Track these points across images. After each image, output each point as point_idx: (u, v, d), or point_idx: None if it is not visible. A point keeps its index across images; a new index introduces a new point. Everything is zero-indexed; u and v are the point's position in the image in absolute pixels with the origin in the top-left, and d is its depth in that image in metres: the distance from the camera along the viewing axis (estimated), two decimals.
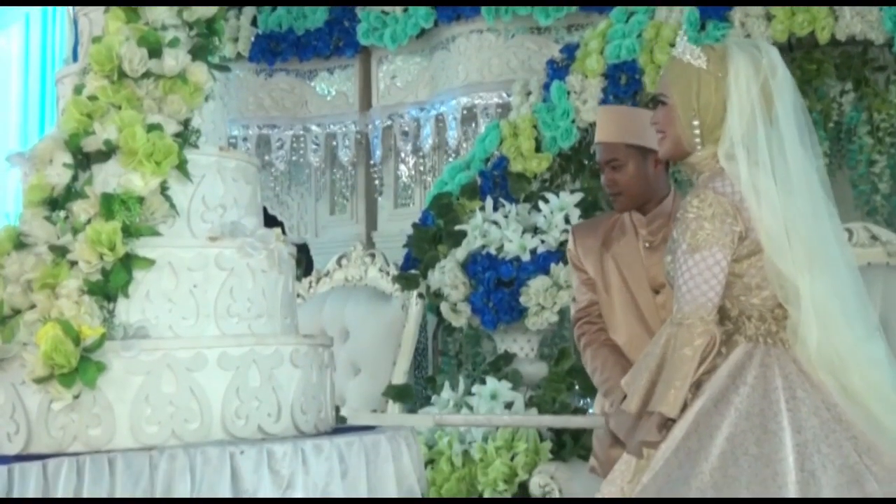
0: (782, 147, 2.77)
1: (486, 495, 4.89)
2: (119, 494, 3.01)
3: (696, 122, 2.83)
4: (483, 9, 6.31)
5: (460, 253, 5.40)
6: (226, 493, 3.08)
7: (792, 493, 2.60)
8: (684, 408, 2.78)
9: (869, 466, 2.64)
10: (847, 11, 5.11)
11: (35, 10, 8.49)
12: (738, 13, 5.32)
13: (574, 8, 6.25)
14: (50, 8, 8.53)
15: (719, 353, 2.81)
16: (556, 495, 4.69)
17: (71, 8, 8.05)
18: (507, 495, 4.85)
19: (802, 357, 2.76)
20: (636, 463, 2.83)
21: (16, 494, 3.00)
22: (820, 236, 2.77)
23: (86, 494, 2.99)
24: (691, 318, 2.75)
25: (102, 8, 3.62)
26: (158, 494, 3.03)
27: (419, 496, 3.57)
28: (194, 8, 3.64)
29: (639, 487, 2.76)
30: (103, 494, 2.99)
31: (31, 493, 2.99)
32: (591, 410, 3.82)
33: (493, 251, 5.26)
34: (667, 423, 2.76)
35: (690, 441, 2.71)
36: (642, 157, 3.60)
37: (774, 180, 2.75)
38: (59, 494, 2.98)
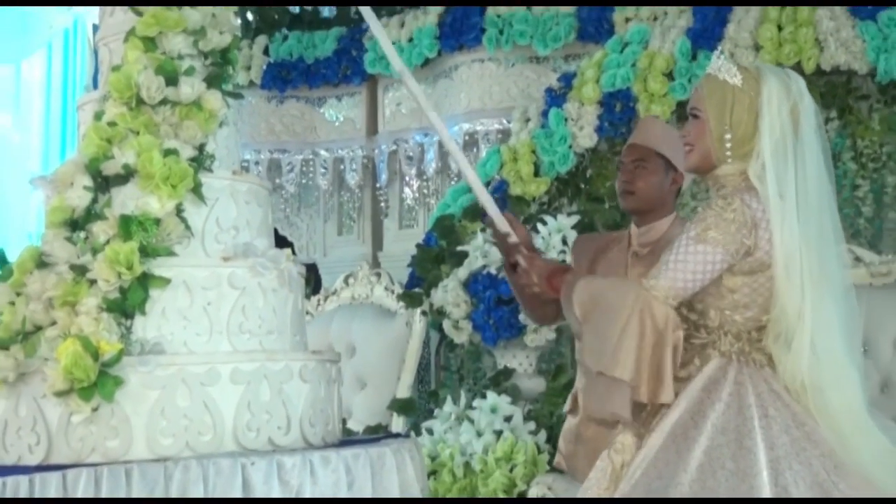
0: (805, 169, 2.76)
1: None
2: None
3: (727, 136, 2.82)
4: (484, 38, 6.34)
5: (462, 272, 5.41)
6: None
7: None
8: (659, 417, 2.78)
9: (836, 483, 2.63)
10: (832, 42, 5.13)
11: (57, 39, 8.53)
12: (727, 44, 5.33)
13: (571, 38, 6.28)
14: (71, 37, 8.57)
15: (692, 364, 2.81)
16: None
17: (91, 37, 8.08)
18: None
19: (773, 377, 2.76)
20: (611, 471, 2.83)
21: None
22: (825, 261, 2.76)
23: None
24: (659, 294, 2.73)
25: (122, 37, 3.63)
26: None
27: None
28: (209, 38, 3.64)
29: (618, 495, 2.75)
30: None
31: None
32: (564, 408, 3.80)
33: (493, 271, 5.26)
34: (642, 409, 2.75)
35: (668, 452, 2.70)
36: (665, 169, 3.65)
37: (796, 203, 2.74)
38: None
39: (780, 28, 5.25)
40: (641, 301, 2.73)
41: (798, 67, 5.17)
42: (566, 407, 3.83)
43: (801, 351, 2.72)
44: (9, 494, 3.01)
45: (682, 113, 4.91)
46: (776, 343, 2.76)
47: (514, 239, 3.16)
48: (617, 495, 2.75)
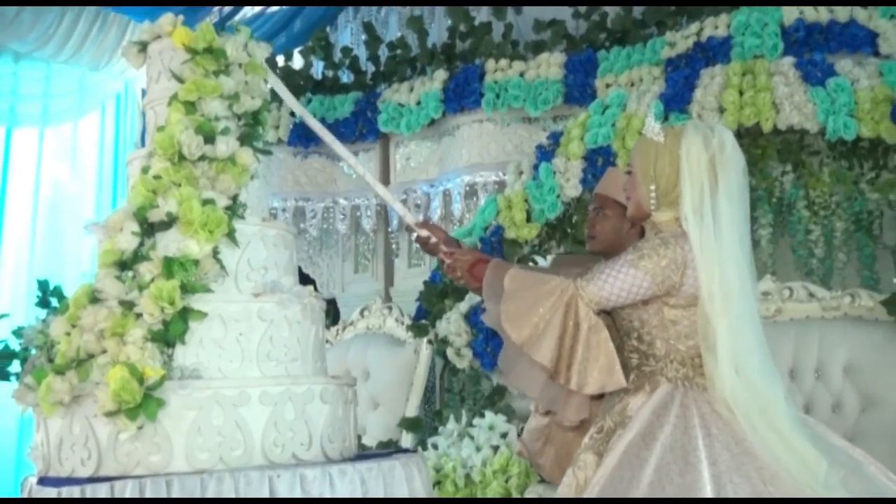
0: (720, 215, 2.77)
1: None
2: None
3: (652, 188, 2.86)
4: (483, 101, 6.39)
5: (463, 306, 5.41)
6: None
7: None
8: (615, 438, 2.77)
9: (773, 493, 2.62)
10: (787, 105, 5.15)
11: (110, 102, 8.57)
12: (695, 106, 5.35)
13: (559, 101, 6.33)
14: (122, 100, 8.61)
15: (643, 389, 2.81)
16: None
17: (140, 100, 8.11)
18: None
19: (715, 399, 2.75)
20: (576, 485, 2.82)
21: None
22: (741, 295, 2.75)
23: None
24: (585, 296, 2.77)
25: (166, 101, 3.64)
26: None
27: None
28: (243, 102, 3.66)
29: None
30: None
31: None
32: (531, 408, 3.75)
33: None
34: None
35: (622, 471, 2.69)
36: (622, 215, 3.62)
37: (717, 243, 2.75)
38: None
39: (741, 93, 5.28)
40: (568, 296, 2.77)
41: (757, 127, 5.20)
42: (534, 406, 3.77)
43: (723, 378, 2.71)
44: None
45: None
46: (713, 367, 2.77)
47: (433, 240, 3.18)
48: None
